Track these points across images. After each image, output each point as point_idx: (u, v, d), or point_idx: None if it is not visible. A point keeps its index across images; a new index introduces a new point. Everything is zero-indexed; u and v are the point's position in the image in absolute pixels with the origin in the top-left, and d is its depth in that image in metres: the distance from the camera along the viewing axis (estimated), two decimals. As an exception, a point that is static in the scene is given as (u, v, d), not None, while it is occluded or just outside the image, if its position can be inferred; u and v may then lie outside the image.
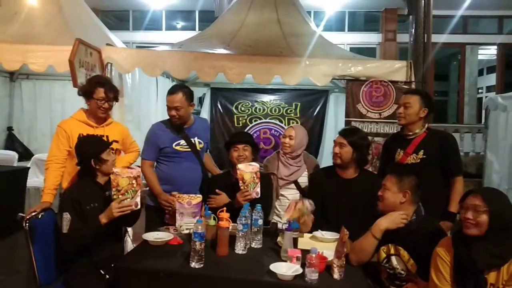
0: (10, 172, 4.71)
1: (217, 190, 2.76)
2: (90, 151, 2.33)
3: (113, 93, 2.77)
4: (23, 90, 6.22)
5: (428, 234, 2.04)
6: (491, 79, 12.59)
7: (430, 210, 2.24)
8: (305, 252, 1.96)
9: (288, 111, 5.43)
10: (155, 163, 2.98)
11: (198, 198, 2.59)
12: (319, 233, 2.49)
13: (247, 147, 2.80)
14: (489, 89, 13.71)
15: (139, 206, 2.27)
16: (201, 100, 5.88)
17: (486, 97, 10.84)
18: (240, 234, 2.21)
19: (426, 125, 2.80)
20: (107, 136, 2.74)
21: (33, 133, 6.28)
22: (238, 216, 2.22)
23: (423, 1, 6.57)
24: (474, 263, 1.74)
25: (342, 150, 2.61)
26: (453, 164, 2.71)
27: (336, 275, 1.93)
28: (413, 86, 3.90)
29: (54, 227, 2.45)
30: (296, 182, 2.97)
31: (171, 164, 2.92)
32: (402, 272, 2.10)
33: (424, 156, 2.70)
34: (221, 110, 5.50)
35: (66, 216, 2.18)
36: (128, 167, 2.31)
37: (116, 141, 2.81)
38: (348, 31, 10.83)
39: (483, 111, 7.23)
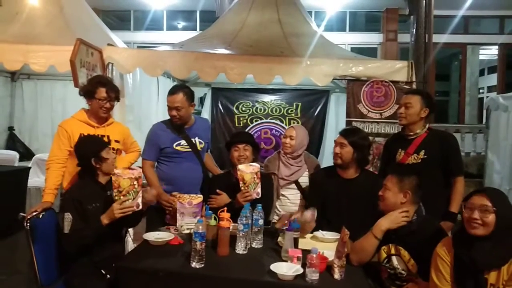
0: (11, 172, 4.72)
1: (217, 190, 2.76)
2: (90, 150, 2.34)
3: (115, 93, 2.77)
4: (24, 90, 6.24)
5: (428, 234, 2.04)
6: (492, 79, 12.58)
7: (431, 210, 2.24)
8: (305, 252, 1.96)
9: (289, 111, 5.43)
10: (156, 163, 2.98)
11: (199, 198, 2.60)
12: (319, 233, 2.49)
13: (247, 147, 2.80)
14: (490, 89, 13.70)
15: (140, 207, 2.27)
16: (202, 100, 5.88)
17: (487, 97, 10.82)
18: (241, 234, 2.21)
19: (427, 125, 2.80)
20: (108, 136, 2.75)
21: (34, 133, 6.30)
22: (239, 216, 2.22)
23: (424, 1, 6.57)
24: (475, 263, 1.74)
25: (342, 150, 2.61)
26: (454, 164, 2.71)
27: (336, 275, 1.93)
28: (414, 86, 3.90)
29: (55, 227, 2.46)
30: (296, 182, 2.97)
31: (172, 164, 2.92)
32: (403, 272, 2.10)
33: (425, 156, 2.69)
34: (222, 110, 5.51)
35: (68, 216, 2.19)
36: (130, 168, 2.31)
37: (117, 141, 2.83)
38: (349, 31, 10.82)
39: (484, 111, 7.24)
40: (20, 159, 5.54)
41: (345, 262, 1.96)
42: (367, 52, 8.99)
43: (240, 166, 2.63)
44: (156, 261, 2.06)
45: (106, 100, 2.72)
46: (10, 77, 6.16)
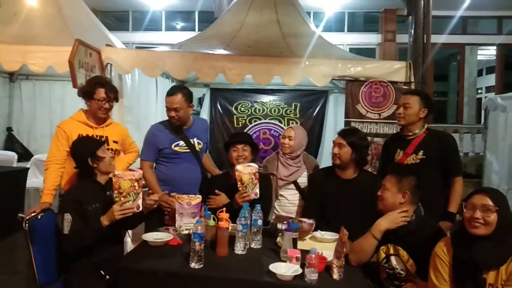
0: (10, 172, 4.71)
1: (216, 191, 2.76)
2: (86, 151, 2.34)
3: (114, 94, 2.77)
4: (23, 90, 6.22)
5: (427, 234, 2.04)
6: (491, 80, 12.60)
7: (430, 211, 2.24)
8: (304, 252, 1.96)
9: (288, 112, 5.44)
10: (154, 164, 2.98)
11: (197, 198, 2.60)
12: (318, 234, 2.49)
13: (246, 147, 2.80)
14: (488, 89, 13.71)
15: (140, 208, 2.27)
16: (200, 101, 5.88)
17: (485, 97, 10.85)
18: (240, 234, 2.21)
19: (426, 126, 2.80)
20: (106, 137, 2.75)
21: (33, 134, 6.29)
22: (238, 217, 2.23)
23: (422, 2, 6.57)
24: (475, 263, 1.74)
25: (341, 151, 2.61)
26: (453, 165, 2.72)
27: (335, 275, 1.93)
28: (412, 86, 3.91)
29: (54, 227, 2.46)
30: (295, 183, 2.97)
31: (170, 165, 2.92)
32: (402, 272, 2.10)
33: (424, 157, 2.70)
34: (221, 111, 5.51)
35: (67, 217, 2.18)
36: (130, 170, 2.31)
37: (116, 142, 2.83)
38: (348, 31, 10.84)
39: (483, 112, 7.25)
40: (19, 160, 5.53)
41: (344, 262, 1.96)
42: (365, 52, 9.00)
43: (238, 167, 2.63)
44: (155, 262, 2.06)
45: (105, 100, 2.72)
46: (9, 78, 6.15)
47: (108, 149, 2.62)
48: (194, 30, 10.45)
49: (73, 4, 4.84)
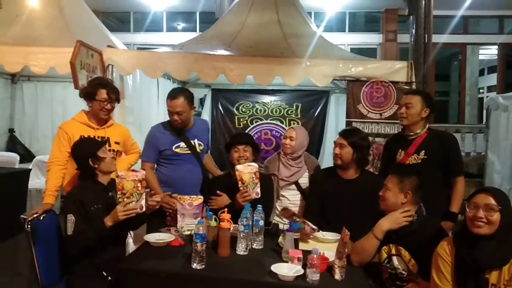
0: (12, 174, 4.73)
1: (218, 192, 2.76)
2: (86, 152, 2.34)
3: (115, 94, 2.78)
4: (25, 92, 6.24)
5: (429, 234, 2.04)
6: (492, 79, 12.58)
7: (431, 210, 2.24)
8: (306, 252, 1.96)
9: (289, 112, 5.43)
10: (155, 166, 2.98)
11: (199, 199, 2.60)
12: (320, 234, 2.49)
13: (247, 148, 2.80)
14: (490, 89, 13.69)
15: (144, 209, 2.27)
16: (202, 101, 5.88)
17: (487, 97, 10.82)
18: (241, 235, 2.21)
19: (427, 126, 2.80)
20: (108, 138, 2.76)
21: (35, 135, 6.30)
22: (239, 217, 2.23)
23: (423, 2, 6.57)
24: (477, 262, 1.74)
25: (342, 151, 2.61)
26: (454, 164, 2.71)
27: (337, 276, 1.93)
28: (413, 86, 3.90)
29: (56, 228, 2.46)
30: (296, 183, 2.97)
31: (171, 167, 2.92)
32: (403, 272, 2.10)
33: (425, 157, 2.69)
34: (222, 111, 5.51)
35: (70, 218, 2.18)
36: (133, 170, 2.32)
37: (117, 143, 2.83)
38: (349, 31, 10.84)
39: (484, 111, 7.23)
40: (21, 161, 5.55)
41: (345, 263, 1.96)
42: (366, 52, 8.99)
43: (238, 166, 2.63)
44: (157, 263, 2.06)
45: (107, 101, 2.72)
46: (11, 79, 6.16)
47: (109, 150, 2.63)
48: (195, 30, 10.46)
49: (75, 5, 4.84)
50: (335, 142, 2.69)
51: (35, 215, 2.38)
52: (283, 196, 2.99)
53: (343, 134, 2.71)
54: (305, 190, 2.96)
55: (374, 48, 10.88)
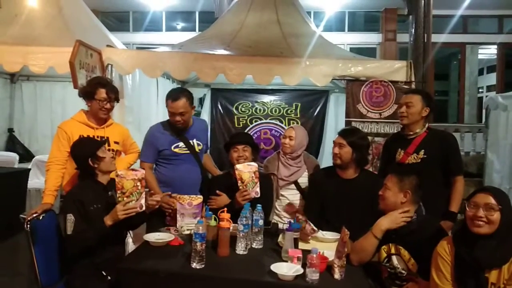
0: (11, 173, 4.72)
1: (217, 191, 2.76)
2: (86, 151, 2.34)
3: (114, 94, 2.78)
4: (24, 91, 6.22)
5: (428, 234, 2.04)
6: (492, 79, 12.58)
7: (431, 210, 2.25)
8: (306, 252, 1.96)
9: (289, 112, 5.44)
10: (154, 166, 2.98)
11: (198, 199, 2.60)
12: (319, 233, 2.48)
13: (247, 148, 2.80)
14: (489, 88, 13.69)
15: (143, 208, 2.27)
16: (201, 101, 5.88)
17: (486, 96, 10.83)
18: (241, 234, 2.21)
19: (427, 125, 2.80)
20: (107, 138, 2.76)
21: (34, 135, 6.29)
22: (239, 217, 2.23)
23: (423, 1, 6.57)
24: (477, 262, 1.74)
25: (341, 151, 2.61)
26: (454, 164, 2.71)
27: (337, 275, 1.94)
28: (413, 86, 3.91)
29: (55, 228, 2.46)
30: (296, 183, 2.97)
31: (170, 167, 2.92)
32: (403, 271, 2.10)
33: (425, 156, 2.70)
34: (222, 111, 5.51)
35: (70, 217, 2.18)
36: (133, 169, 2.31)
37: (117, 142, 2.83)
38: (348, 31, 10.83)
39: (484, 111, 7.23)
40: (20, 161, 5.54)
41: (345, 262, 1.96)
42: (366, 52, 9.00)
43: (238, 166, 2.63)
44: (157, 262, 2.06)
45: (106, 101, 2.72)
46: (10, 79, 6.15)
47: (109, 149, 2.63)
48: (194, 30, 10.45)
49: (74, 5, 4.84)
50: (334, 142, 2.69)
51: (34, 215, 2.38)
52: (282, 195, 2.99)
53: (342, 133, 2.71)
54: (304, 189, 2.96)
55: (374, 47, 10.87)
